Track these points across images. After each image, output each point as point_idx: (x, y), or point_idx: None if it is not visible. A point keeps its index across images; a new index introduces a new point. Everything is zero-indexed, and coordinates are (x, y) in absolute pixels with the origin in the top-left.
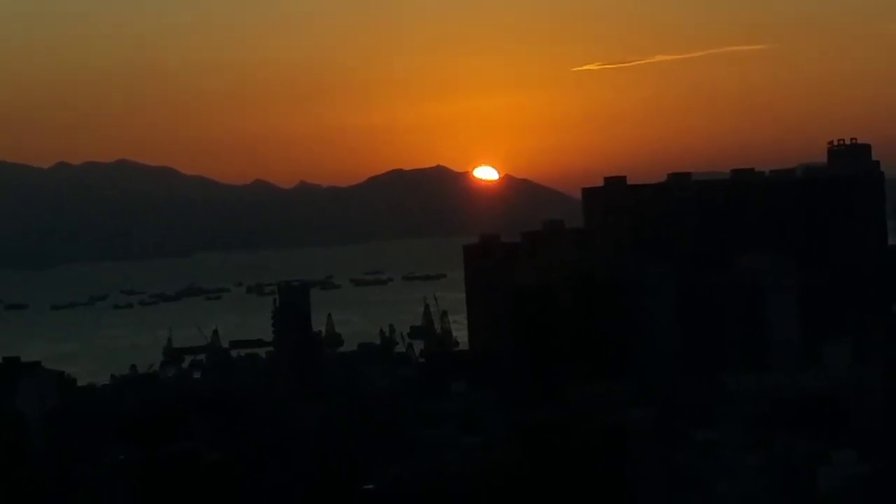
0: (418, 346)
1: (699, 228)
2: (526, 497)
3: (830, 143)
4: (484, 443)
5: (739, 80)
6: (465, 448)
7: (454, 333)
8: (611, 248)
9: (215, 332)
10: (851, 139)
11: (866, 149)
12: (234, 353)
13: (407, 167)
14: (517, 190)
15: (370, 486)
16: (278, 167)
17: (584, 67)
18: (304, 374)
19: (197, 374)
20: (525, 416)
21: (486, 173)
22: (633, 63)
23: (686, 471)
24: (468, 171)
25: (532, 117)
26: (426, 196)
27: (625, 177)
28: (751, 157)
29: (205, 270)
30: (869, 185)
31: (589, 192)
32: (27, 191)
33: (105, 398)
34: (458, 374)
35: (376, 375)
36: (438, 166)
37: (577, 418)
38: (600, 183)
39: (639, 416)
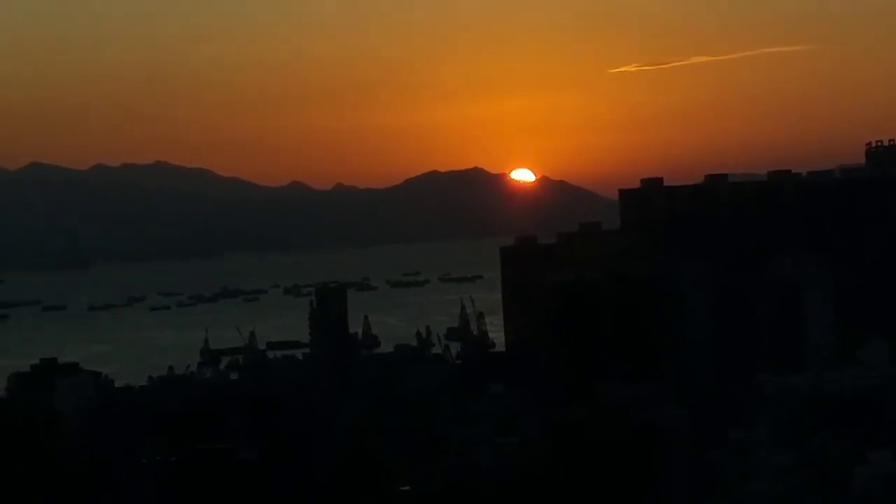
0: (455, 347)
1: (735, 230)
2: (558, 496)
3: (868, 144)
4: (518, 442)
5: (776, 81)
6: (499, 447)
7: (490, 335)
8: (647, 250)
9: (252, 333)
10: (890, 140)
11: None
12: (270, 354)
13: (443, 169)
14: (553, 191)
15: (406, 488)
16: (315, 169)
17: (621, 69)
18: (340, 375)
19: (234, 376)
20: (558, 416)
21: (522, 175)
22: (669, 65)
23: (721, 470)
24: (505, 173)
25: (569, 119)
26: (463, 198)
27: (661, 178)
28: (788, 159)
29: (242, 272)
30: None
31: (625, 194)
32: (65, 193)
33: (142, 399)
34: (494, 375)
35: (412, 377)
36: (475, 168)
37: (611, 418)
38: (637, 184)
39: (673, 416)
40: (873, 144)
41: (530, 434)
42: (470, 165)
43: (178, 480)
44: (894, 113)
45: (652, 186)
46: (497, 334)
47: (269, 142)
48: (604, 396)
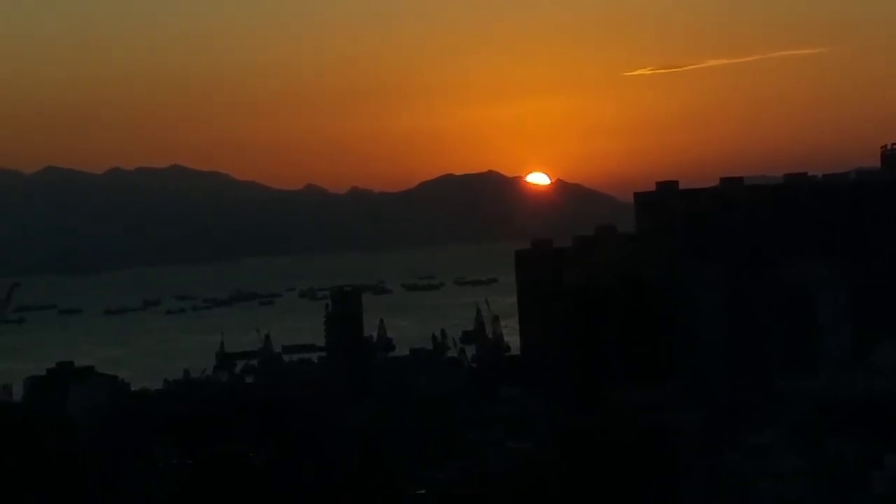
0: (470, 350)
1: (750, 232)
2: (571, 499)
3: (884, 147)
4: (531, 446)
5: (791, 83)
6: (511, 450)
7: (506, 338)
8: (662, 253)
9: (267, 336)
10: None
11: None
12: (286, 357)
13: (459, 172)
14: (569, 194)
15: (422, 491)
16: (331, 172)
17: (636, 72)
18: (355, 378)
19: (249, 379)
20: (571, 419)
21: (537, 178)
22: (684, 68)
23: (735, 474)
24: (520, 176)
25: (584, 122)
26: (478, 201)
27: (677, 181)
28: (803, 161)
29: (257, 275)
30: None
31: (641, 197)
32: (82, 196)
33: (157, 403)
34: (508, 379)
35: (427, 380)
36: (490, 171)
37: (624, 421)
38: (652, 187)
39: (687, 419)
40: (889, 147)
41: (544, 437)
42: (485, 169)
43: (192, 484)
44: None
45: (667, 189)
46: (512, 338)
47: (285, 145)
48: (617, 400)
